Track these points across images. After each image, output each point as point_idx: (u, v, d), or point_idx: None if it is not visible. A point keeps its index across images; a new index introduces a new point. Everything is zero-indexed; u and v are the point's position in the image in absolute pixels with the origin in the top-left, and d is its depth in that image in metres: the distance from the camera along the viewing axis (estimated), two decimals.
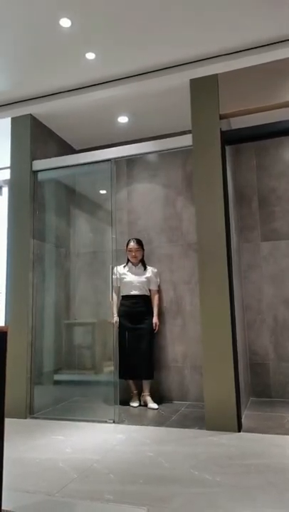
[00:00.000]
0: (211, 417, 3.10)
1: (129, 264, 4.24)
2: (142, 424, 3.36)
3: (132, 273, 4.20)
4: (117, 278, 4.15)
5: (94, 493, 2.05)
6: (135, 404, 4.01)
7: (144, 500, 1.96)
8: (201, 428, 3.14)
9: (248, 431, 3.05)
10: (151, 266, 4.29)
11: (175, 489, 2.08)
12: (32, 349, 3.80)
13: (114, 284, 4.16)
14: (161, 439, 2.93)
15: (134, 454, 2.62)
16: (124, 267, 4.25)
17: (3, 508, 1.83)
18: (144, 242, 4.30)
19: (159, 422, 3.40)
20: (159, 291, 4.25)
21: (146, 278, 4.18)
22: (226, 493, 2.01)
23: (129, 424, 3.36)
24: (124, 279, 4.19)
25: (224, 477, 2.21)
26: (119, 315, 4.10)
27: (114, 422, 3.41)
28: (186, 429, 3.14)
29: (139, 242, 4.24)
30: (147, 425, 3.31)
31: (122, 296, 4.19)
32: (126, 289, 4.18)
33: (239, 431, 3.04)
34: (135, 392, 4.10)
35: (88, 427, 3.30)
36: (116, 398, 3.52)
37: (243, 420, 3.24)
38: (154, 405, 3.88)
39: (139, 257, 4.22)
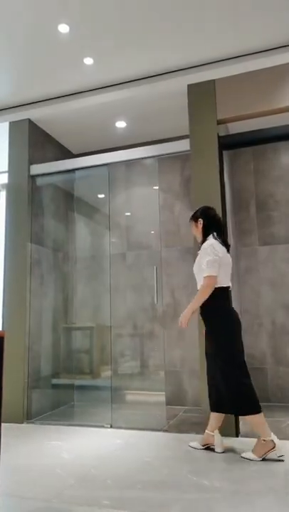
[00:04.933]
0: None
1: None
2: (139, 429, 3.34)
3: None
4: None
5: (91, 499, 2.03)
6: (222, 448, 2.71)
7: (142, 506, 1.95)
8: (198, 433, 3.12)
9: (246, 436, 3.04)
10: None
11: (173, 495, 2.06)
12: (29, 353, 3.78)
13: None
14: (159, 444, 2.92)
15: (132, 460, 2.60)
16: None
17: None
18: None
19: (157, 427, 3.39)
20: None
21: None
22: (224, 499, 2.00)
23: (126, 429, 3.34)
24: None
25: (223, 482, 2.20)
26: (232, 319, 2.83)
27: (111, 426, 3.39)
28: (184, 434, 3.13)
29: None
30: (145, 430, 3.29)
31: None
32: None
33: (237, 436, 3.03)
34: (217, 431, 2.77)
35: (85, 432, 3.29)
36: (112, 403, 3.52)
37: (240, 425, 3.23)
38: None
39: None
